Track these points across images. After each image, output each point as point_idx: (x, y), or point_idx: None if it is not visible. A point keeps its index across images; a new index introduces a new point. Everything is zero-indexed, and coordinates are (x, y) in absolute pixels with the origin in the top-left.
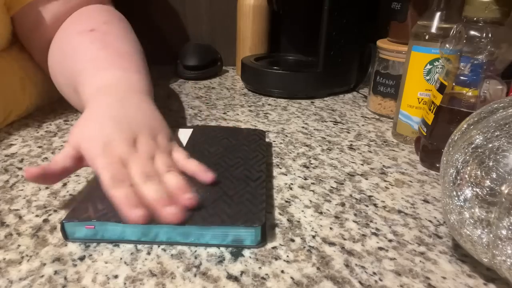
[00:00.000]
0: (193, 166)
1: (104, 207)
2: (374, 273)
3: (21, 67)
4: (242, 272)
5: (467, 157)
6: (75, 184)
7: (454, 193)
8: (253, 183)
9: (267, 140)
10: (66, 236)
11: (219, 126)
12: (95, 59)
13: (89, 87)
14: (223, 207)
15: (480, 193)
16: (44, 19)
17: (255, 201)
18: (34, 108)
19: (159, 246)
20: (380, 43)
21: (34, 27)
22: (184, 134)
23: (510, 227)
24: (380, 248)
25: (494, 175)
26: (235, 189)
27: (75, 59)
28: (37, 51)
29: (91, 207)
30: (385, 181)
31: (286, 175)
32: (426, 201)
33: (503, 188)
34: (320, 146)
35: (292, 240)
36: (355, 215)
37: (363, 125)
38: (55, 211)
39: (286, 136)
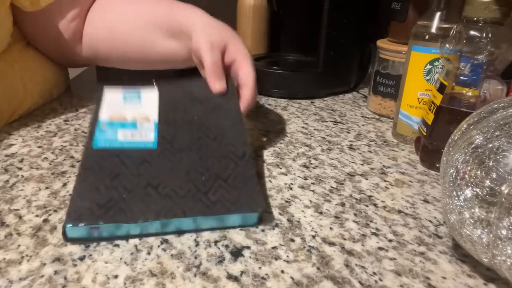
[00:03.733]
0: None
1: (105, 202)
2: (374, 273)
3: (22, 68)
4: (242, 272)
5: (467, 157)
6: None
7: (454, 193)
8: (240, 161)
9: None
10: (67, 239)
11: (183, 82)
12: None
13: (192, 15)
14: (222, 193)
15: (480, 193)
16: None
17: (249, 184)
18: (35, 107)
19: (159, 246)
20: (380, 43)
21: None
22: (150, 96)
23: (510, 227)
24: (380, 248)
25: (494, 175)
26: (226, 170)
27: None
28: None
29: (93, 205)
30: (385, 181)
31: (286, 175)
32: (426, 201)
33: (503, 188)
34: (320, 146)
35: (292, 240)
36: (355, 215)
37: (363, 125)
38: (55, 211)
39: (286, 136)
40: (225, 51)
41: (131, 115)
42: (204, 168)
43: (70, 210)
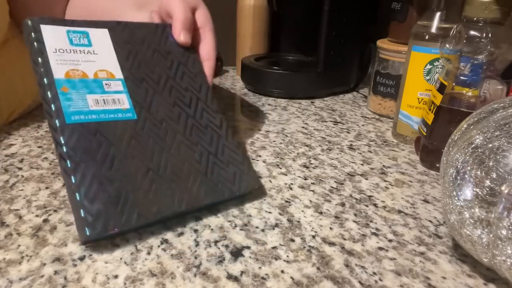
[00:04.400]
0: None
1: (116, 201)
2: (374, 273)
3: (21, 67)
4: (242, 272)
5: (467, 157)
6: None
7: (454, 193)
8: (220, 131)
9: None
10: (84, 242)
11: (130, 24)
12: None
13: None
14: (219, 172)
15: (480, 193)
16: None
17: (238, 158)
18: (35, 105)
19: (159, 246)
20: (380, 43)
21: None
22: (101, 39)
23: (510, 227)
24: (380, 248)
25: (494, 175)
26: (212, 143)
27: None
28: None
29: (106, 208)
30: (385, 181)
31: (286, 175)
32: (426, 201)
33: (503, 188)
34: (320, 146)
35: (292, 240)
36: (355, 215)
37: (363, 125)
38: (55, 211)
39: (286, 136)
40: (195, 14)
41: (91, 70)
42: (193, 143)
43: (85, 217)
